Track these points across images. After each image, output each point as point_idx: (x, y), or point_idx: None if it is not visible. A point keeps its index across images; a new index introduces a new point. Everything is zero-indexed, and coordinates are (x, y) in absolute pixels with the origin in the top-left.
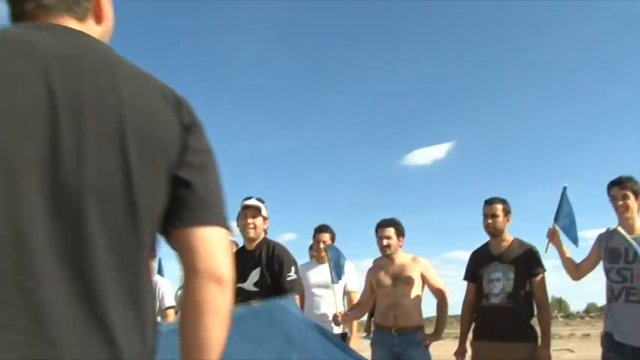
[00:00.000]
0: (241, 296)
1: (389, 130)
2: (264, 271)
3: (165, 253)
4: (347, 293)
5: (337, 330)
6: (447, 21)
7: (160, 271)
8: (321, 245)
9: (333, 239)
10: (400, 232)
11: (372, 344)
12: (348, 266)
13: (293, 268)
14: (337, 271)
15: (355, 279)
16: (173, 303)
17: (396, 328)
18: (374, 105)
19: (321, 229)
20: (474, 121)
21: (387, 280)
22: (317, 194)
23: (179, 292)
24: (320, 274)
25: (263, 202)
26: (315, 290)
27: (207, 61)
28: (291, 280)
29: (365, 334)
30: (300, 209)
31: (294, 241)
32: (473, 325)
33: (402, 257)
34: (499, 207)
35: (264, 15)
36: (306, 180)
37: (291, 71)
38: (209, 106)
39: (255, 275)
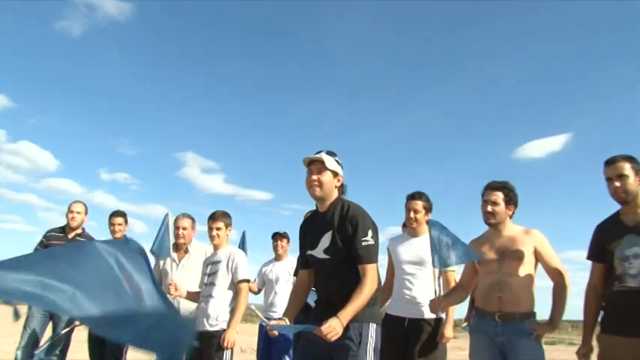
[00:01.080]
0: (312, 264)
1: (501, 120)
2: (336, 235)
3: (250, 229)
4: (442, 272)
5: (430, 315)
6: (565, 7)
7: (242, 245)
8: (411, 215)
9: (427, 209)
10: (510, 200)
11: (470, 332)
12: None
13: (370, 232)
14: (440, 255)
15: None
16: (247, 276)
17: (500, 313)
18: (485, 94)
19: (413, 196)
20: (594, 111)
21: (491, 255)
22: (424, 187)
23: (263, 269)
24: (412, 249)
25: (333, 155)
26: (406, 267)
27: (311, 52)
28: (367, 245)
29: (466, 324)
30: None
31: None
32: (600, 315)
33: (510, 229)
34: (626, 165)
35: (372, 3)
36: (413, 172)
37: (397, 60)
38: (315, 97)
39: (325, 240)
